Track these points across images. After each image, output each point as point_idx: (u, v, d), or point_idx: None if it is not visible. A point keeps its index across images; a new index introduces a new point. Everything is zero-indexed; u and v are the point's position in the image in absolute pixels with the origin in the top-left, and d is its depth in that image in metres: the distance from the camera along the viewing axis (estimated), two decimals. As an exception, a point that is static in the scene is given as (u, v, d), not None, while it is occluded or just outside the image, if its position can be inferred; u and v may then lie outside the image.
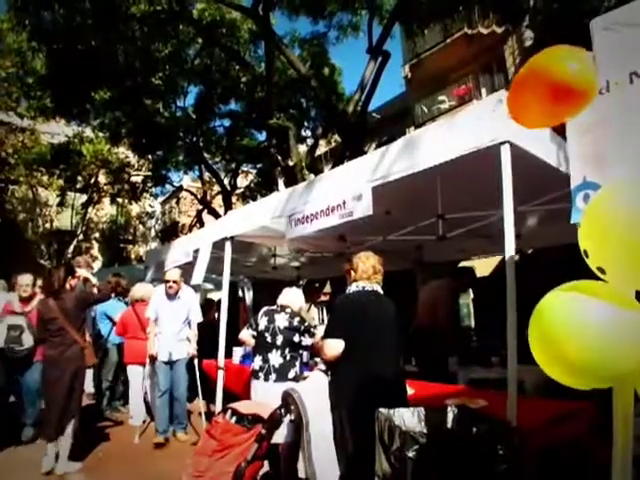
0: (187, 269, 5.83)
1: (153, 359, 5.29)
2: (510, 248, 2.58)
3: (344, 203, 3.32)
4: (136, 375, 5.70)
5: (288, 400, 2.91)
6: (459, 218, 4.71)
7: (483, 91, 15.77)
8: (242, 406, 3.50)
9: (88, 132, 18.60)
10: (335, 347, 2.74)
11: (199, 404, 5.46)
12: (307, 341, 4.07)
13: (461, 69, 16.04)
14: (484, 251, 6.74)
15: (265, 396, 3.82)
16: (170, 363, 5.30)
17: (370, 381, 2.66)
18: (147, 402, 5.74)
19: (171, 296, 5.42)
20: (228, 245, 5.17)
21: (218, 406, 4.57)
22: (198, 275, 5.49)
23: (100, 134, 17.98)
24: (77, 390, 4.38)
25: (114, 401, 6.64)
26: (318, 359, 4.21)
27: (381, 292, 2.99)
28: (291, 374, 3.98)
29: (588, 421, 2.69)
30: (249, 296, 9.37)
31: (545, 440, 2.32)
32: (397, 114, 17.68)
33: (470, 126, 2.69)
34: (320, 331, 3.05)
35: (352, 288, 2.96)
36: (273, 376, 3.95)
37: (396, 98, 18.76)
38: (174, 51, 13.42)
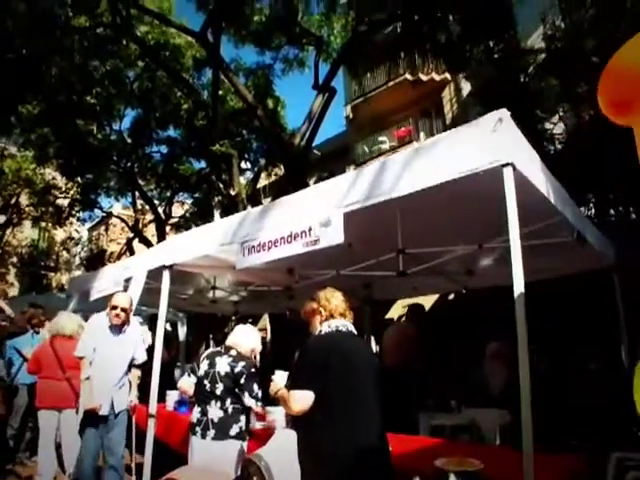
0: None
1: (94, 414, 4.08)
2: (519, 282, 2.31)
3: (310, 230, 2.97)
4: (49, 422, 4.84)
5: (250, 470, 2.40)
6: (419, 254, 4.50)
7: (422, 134, 16.31)
8: (185, 476, 2.89)
9: (12, 149, 17.33)
10: (303, 400, 2.30)
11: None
12: (248, 401, 3.41)
13: (401, 112, 16.61)
14: (435, 289, 6.60)
15: (202, 456, 3.24)
16: (109, 417, 4.18)
17: (354, 444, 2.25)
18: (60, 454, 4.92)
19: (116, 328, 4.34)
20: (166, 274, 4.63)
21: (147, 459, 3.95)
22: (130, 307, 4.86)
23: (26, 152, 16.79)
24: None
25: (20, 453, 5.72)
26: (272, 408, 3.70)
27: (355, 332, 2.64)
28: (233, 430, 3.33)
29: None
30: (183, 332, 8.67)
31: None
32: (338, 152, 17.91)
33: (465, 147, 2.45)
34: (280, 377, 2.58)
35: (324, 329, 2.56)
36: (211, 432, 3.30)
37: (337, 136, 19.05)
38: (114, 71, 12.82)
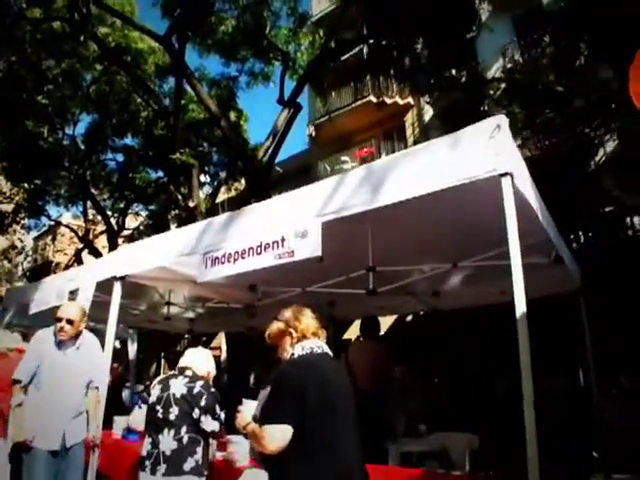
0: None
1: (24, 448, 3.37)
2: (520, 299, 2.09)
3: (283, 240, 2.69)
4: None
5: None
6: (389, 272, 4.31)
7: (383, 156, 16.40)
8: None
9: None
10: (280, 436, 1.97)
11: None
12: (210, 425, 2.97)
13: (365, 133, 16.65)
14: (403, 309, 6.42)
15: (152, 496, 2.79)
16: (60, 452, 3.46)
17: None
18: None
19: (65, 345, 3.67)
20: (117, 286, 4.24)
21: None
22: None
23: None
24: None
25: None
26: (234, 438, 3.30)
27: (331, 353, 2.35)
28: (188, 464, 2.85)
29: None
30: (133, 350, 8.10)
31: None
32: (300, 170, 17.75)
33: (457, 154, 2.23)
34: (249, 407, 2.24)
35: (297, 351, 2.25)
36: (162, 467, 2.81)
37: (299, 154, 18.92)
38: (69, 70, 12.21)
